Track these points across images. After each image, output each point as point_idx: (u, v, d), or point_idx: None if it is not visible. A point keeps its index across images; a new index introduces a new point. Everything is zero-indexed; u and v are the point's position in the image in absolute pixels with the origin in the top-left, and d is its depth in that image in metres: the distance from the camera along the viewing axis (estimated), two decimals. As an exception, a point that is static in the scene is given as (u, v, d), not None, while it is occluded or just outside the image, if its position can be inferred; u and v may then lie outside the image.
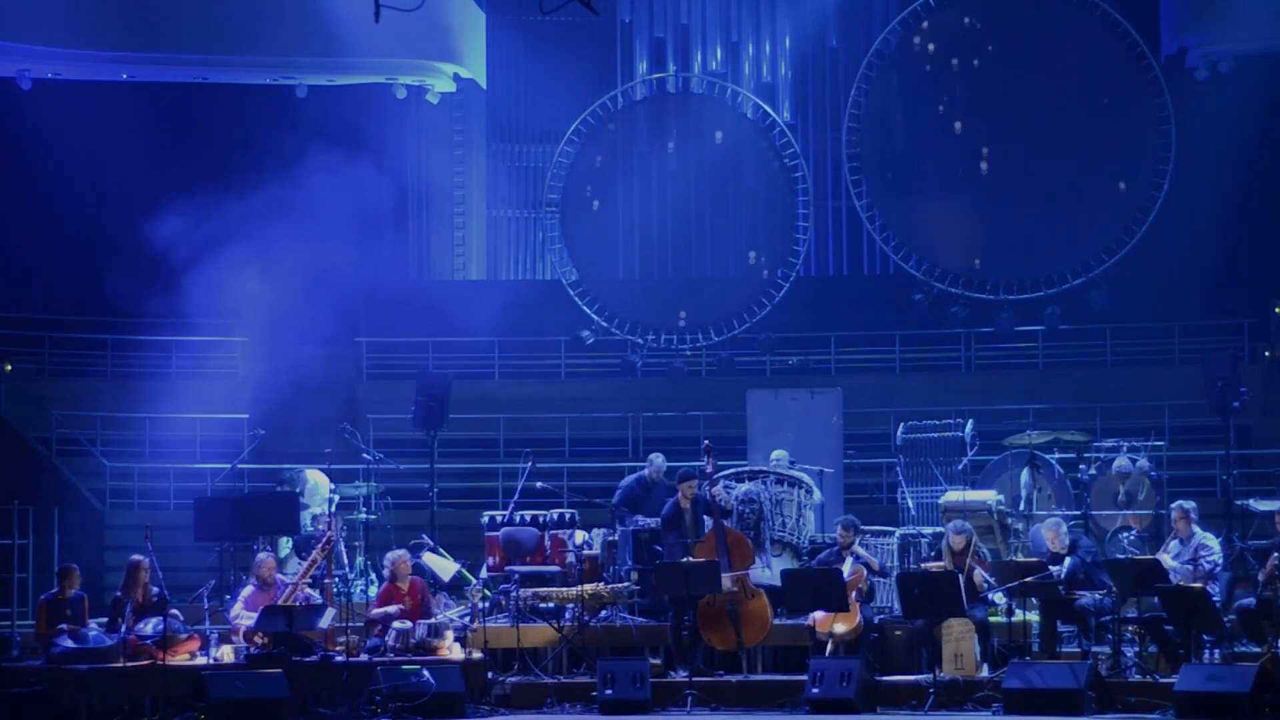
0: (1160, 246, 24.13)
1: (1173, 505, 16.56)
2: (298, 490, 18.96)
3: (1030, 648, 16.13)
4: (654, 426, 23.82)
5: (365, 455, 20.01)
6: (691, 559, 16.32)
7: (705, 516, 16.70)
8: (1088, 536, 17.29)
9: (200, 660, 16.03)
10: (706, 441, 17.43)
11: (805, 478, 18.32)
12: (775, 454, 19.04)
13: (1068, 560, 16.17)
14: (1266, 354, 24.15)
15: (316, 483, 19.02)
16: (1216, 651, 15.32)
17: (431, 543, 18.82)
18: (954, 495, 18.53)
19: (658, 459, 18.08)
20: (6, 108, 23.30)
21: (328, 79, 23.52)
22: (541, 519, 18.13)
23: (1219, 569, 16.27)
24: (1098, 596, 15.87)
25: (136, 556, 16.27)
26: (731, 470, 18.38)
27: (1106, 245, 23.58)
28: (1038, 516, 18.19)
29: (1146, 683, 15.26)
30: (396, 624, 16.26)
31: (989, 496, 18.51)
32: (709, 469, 16.82)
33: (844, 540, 16.75)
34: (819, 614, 16.09)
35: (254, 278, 22.14)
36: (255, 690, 15.07)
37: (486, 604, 17.28)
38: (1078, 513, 18.58)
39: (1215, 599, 15.55)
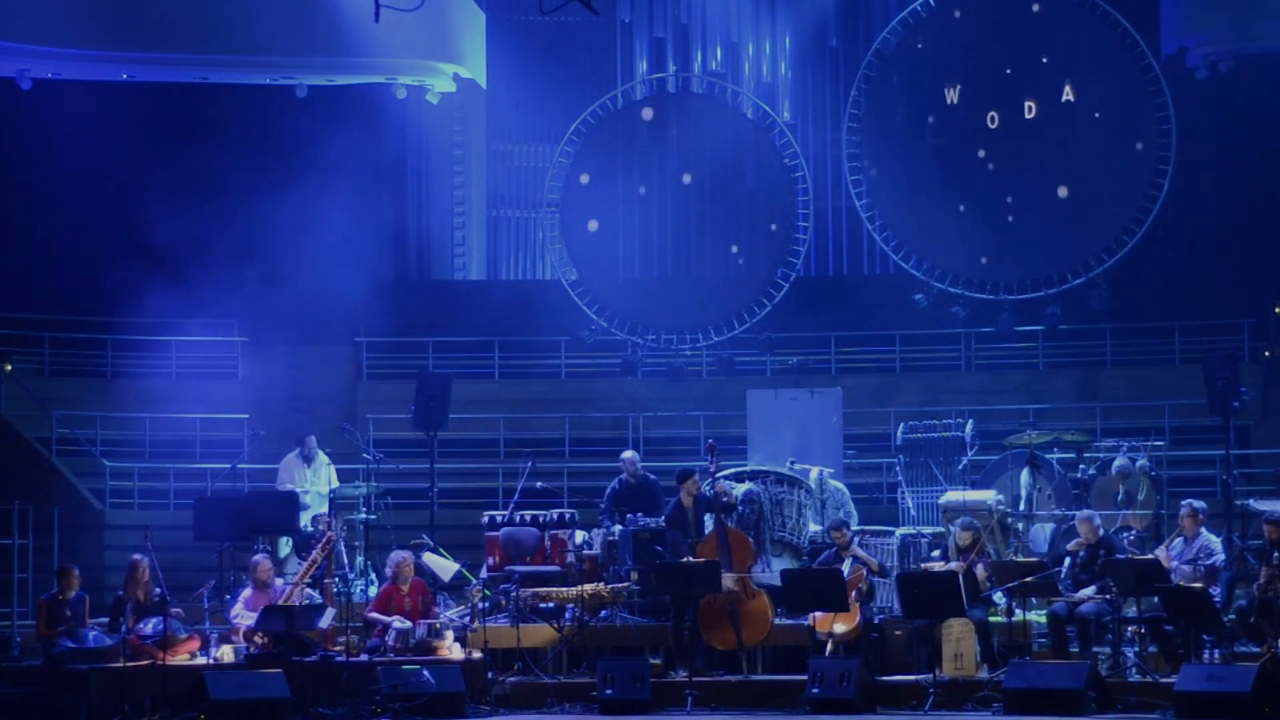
0: (1160, 246, 24.11)
1: (1182, 503, 16.50)
2: (308, 453, 19.16)
3: (1030, 648, 16.12)
4: (654, 426, 23.81)
5: (365, 455, 20.00)
6: (693, 559, 16.34)
7: (707, 515, 16.70)
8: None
9: (200, 660, 16.04)
10: (710, 440, 17.45)
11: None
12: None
13: (1067, 560, 16.17)
14: (1266, 354, 24.11)
15: (325, 461, 19.32)
16: (1216, 651, 15.30)
17: (431, 543, 18.82)
18: (954, 495, 18.53)
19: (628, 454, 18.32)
20: (6, 108, 23.29)
21: (328, 79, 23.50)
22: (541, 519, 18.14)
23: (1221, 568, 16.25)
24: (1098, 599, 15.85)
25: (136, 556, 16.29)
26: (732, 470, 18.39)
27: (1106, 245, 23.55)
28: (1038, 516, 18.18)
29: (1146, 683, 15.25)
30: (396, 624, 16.28)
31: (989, 496, 18.51)
32: (712, 468, 16.83)
33: (839, 541, 16.74)
34: (818, 614, 16.11)
35: (253, 277, 22.14)
36: (255, 690, 15.07)
37: (486, 604, 17.28)
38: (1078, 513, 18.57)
39: (1216, 599, 15.55)
